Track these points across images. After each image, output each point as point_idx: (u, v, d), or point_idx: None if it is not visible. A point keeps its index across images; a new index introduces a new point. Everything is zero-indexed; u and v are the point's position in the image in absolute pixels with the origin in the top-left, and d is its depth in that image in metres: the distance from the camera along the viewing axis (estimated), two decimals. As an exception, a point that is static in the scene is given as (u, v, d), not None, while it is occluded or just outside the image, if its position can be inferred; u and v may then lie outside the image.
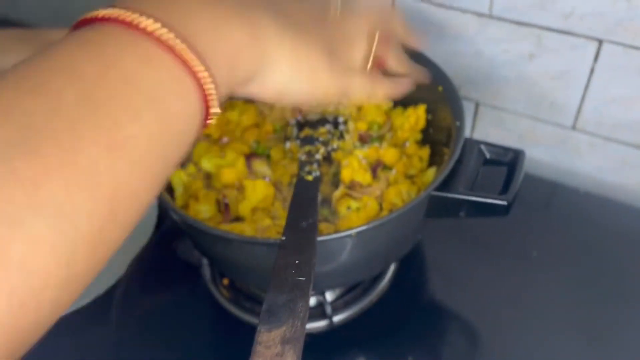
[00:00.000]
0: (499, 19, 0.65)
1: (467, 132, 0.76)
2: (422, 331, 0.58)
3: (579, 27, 0.61)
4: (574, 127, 0.69)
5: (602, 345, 0.55)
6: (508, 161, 0.51)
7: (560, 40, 0.63)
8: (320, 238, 0.47)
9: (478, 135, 0.76)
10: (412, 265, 0.63)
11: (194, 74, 0.28)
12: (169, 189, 0.56)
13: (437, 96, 0.57)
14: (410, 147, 0.59)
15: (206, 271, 0.63)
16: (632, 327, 0.57)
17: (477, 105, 0.74)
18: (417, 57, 0.59)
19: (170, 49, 0.27)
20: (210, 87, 0.29)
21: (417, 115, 0.59)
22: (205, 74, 0.29)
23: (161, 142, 0.27)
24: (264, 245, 0.48)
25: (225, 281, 0.62)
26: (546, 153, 0.73)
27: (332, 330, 0.58)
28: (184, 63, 0.28)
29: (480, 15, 0.66)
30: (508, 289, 0.60)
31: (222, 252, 0.52)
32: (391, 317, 0.59)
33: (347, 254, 0.48)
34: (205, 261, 0.63)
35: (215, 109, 0.30)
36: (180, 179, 0.56)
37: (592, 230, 0.65)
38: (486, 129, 0.75)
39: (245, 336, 0.58)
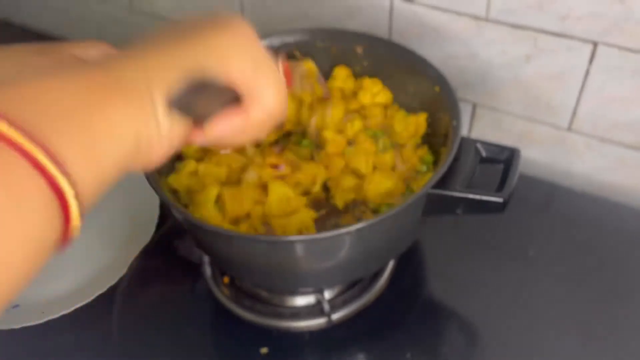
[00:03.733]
0: (496, 21, 0.66)
1: (464, 134, 0.76)
2: (420, 329, 0.58)
3: (575, 30, 0.62)
4: (570, 128, 0.70)
5: (596, 342, 0.56)
6: (504, 159, 0.52)
7: (556, 42, 0.64)
8: (319, 235, 0.47)
9: (475, 136, 0.76)
10: (410, 264, 0.64)
11: (37, 166, 0.25)
12: (172, 189, 0.57)
13: (434, 97, 0.58)
14: (409, 149, 0.60)
15: (207, 270, 0.63)
16: (627, 325, 0.57)
17: (474, 107, 0.75)
18: (414, 59, 0.60)
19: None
20: (60, 179, 0.25)
21: (417, 123, 0.60)
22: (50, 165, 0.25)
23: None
24: (265, 242, 0.49)
25: (226, 279, 0.63)
26: (543, 154, 0.74)
27: (331, 328, 0.59)
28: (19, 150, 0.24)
29: (477, 18, 0.67)
30: (505, 287, 0.61)
31: (223, 250, 0.53)
32: (389, 314, 0.60)
33: (346, 251, 0.49)
34: (205, 260, 0.64)
35: (75, 206, 0.26)
36: (181, 183, 0.56)
37: (588, 230, 0.66)
38: (483, 130, 0.76)
39: (245, 333, 0.59)
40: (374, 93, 0.63)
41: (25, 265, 0.25)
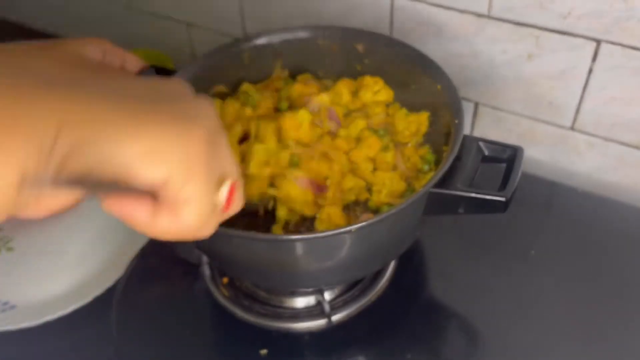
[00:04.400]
0: (498, 19, 0.65)
1: (466, 132, 0.76)
2: (420, 330, 0.58)
3: (577, 28, 0.62)
4: (572, 127, 0.69)
5: (598, 342, 0.55)
6: (506, 158, 0.51)
7: (559, 40, 0.63)
8: (319, 234, 0.47)
9: (478, 135, 0.76)
10: (411, 264, 0.63)
11: None
12: None
13: (435, 95, 0.57)
14: (410, 148, 0.59)
15: (206, 270, 0.63)
16: (629, 325, 0.57)
17: (476, 106, 0.74)
18: (416, 57, 0.60)
19: None
20: None
21: (419, 122, 0.60)
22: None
23: None
24: (265, 242, 0.48)
25: (225, 280, 0.62)
26: (545, 153, 0.73)
27: (331, 329, 0.58)
28: None
29: (479, 15, 0.66)
30: (506, 287, 0.61)
31: (222, 250, 0.52)
32: (390, 315, 0.59)
33: (346, 251, 0.48)
34: (204, 260, 0.63)
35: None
36: None
37: (590, 230, 0.66)
38: (485, 129, 0.75)
39: (244, 334, 0.58)
40: (375, 91, 0.62)
41: None
